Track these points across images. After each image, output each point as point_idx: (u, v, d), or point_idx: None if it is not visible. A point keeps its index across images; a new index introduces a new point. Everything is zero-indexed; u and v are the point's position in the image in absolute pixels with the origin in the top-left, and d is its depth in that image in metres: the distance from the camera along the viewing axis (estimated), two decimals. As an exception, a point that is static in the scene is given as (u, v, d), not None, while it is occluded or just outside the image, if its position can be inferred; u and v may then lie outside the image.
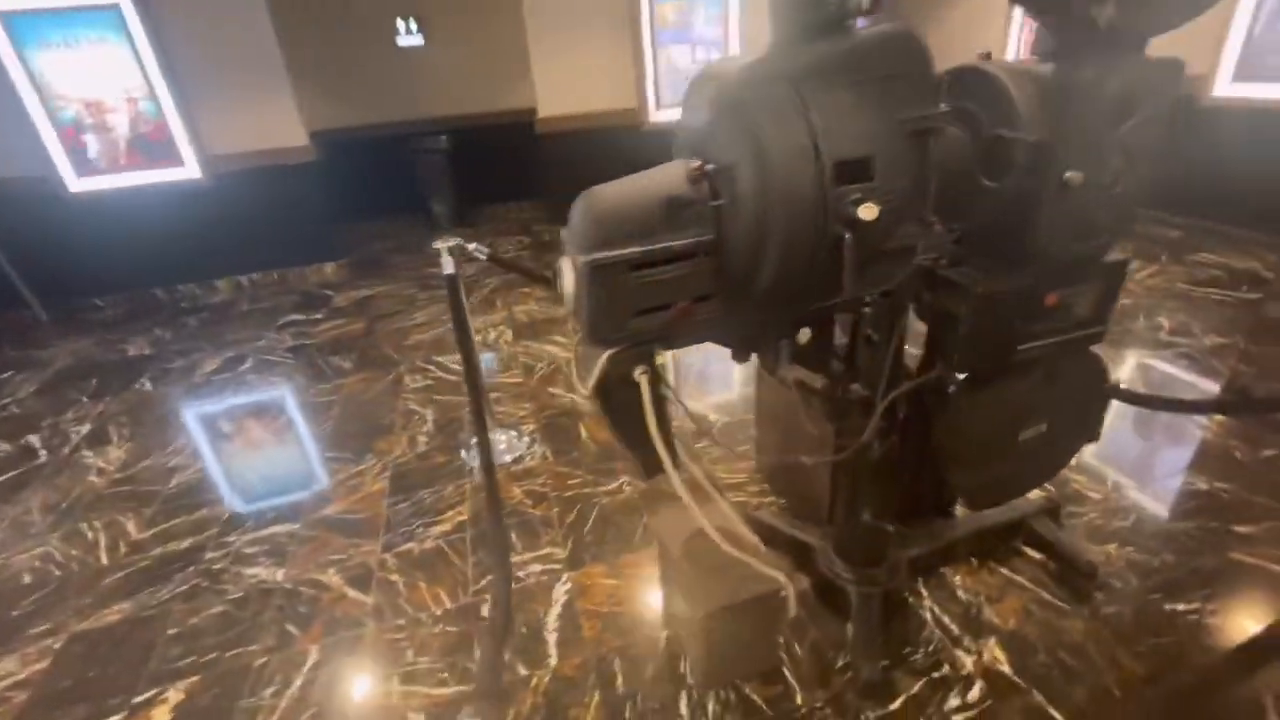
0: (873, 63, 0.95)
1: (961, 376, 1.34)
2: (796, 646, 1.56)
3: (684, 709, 1.44)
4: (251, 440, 2.71)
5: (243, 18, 4.03)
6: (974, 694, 1.42)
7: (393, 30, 5.54)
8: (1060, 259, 1.15)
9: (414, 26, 5.59)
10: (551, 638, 1.64)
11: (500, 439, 2.48)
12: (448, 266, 2.04)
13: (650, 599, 1.74)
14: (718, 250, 1.00)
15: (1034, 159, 1.05)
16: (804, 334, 1.32)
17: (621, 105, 5.04)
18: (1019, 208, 1.11)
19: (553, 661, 1.58)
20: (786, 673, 1.50)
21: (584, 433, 2.55)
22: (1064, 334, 1.27)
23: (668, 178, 1.00)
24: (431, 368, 3.21)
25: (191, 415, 2.99)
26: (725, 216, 0.97)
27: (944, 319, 1.25)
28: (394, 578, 1.89)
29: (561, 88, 4.90)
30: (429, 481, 2.31)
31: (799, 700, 1.44)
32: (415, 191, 5.82)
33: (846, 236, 0.91)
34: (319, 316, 4.05)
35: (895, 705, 1.41)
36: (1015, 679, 1.45)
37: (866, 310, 1.29)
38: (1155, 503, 1.93)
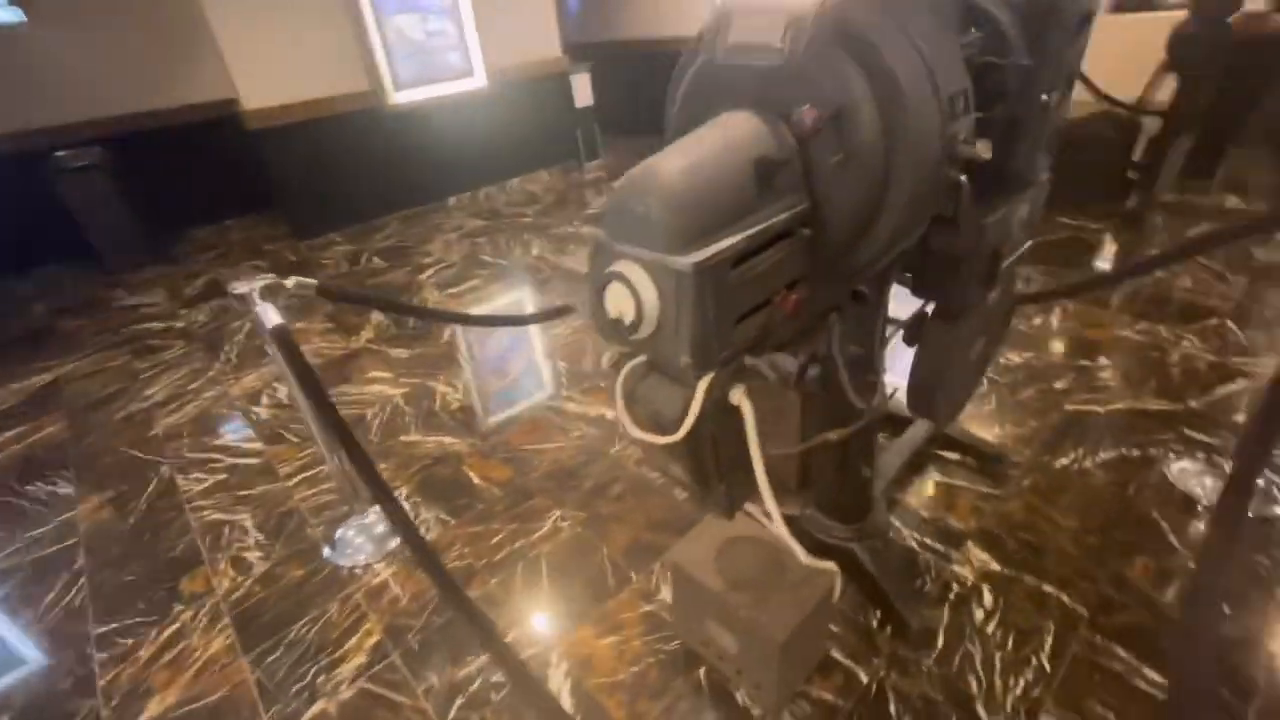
0: (927, -19, 0.83)
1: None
2: (830, 625, 1.50)
3: (770, 746, 1.27)
4: (-65, 656, 1.69)
5: None
6: (988, 600, 1.52)
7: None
8: (1030, 182, 1.20)
9: (0, -4, 3.94)
10: (581, 738, 1.32)
11: (372, 520, 1.93)
12: (268, 317, 1.44)
13: (665, 639, 1.51)
14: (815, 220, 0.80)
15: (1024, 84, 1.05)
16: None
17: (353, 88, 4.27)
18: (1002, 135, 1.11)
19: (600, 767, 1.27)
20: (837, 657, 1.43)
21: (473, 476, 2.12)
22: (1015, 252, 1.35)
23: (740, 136, 0.76)
24: (215, 456, 2.37)
25: None
26: (829, 175, 0.77)
27: (934, 258, 1.23)
28: (319, 762, 1.34)
29: (270, 72, 3.95)
30: (298, 609, 1.69)
31: (864, 678, 1.38)
32: (71, 225, 4.23)
33: (963, 180, 0.79)
34: (-26, 431, 2.71)
35: (942, 641, 1.43)
36: (1006, 571, 1.59)
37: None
38: (997, 384, 2.30)
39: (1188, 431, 1.97)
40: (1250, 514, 1.66)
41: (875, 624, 1.49)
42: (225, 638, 1.63)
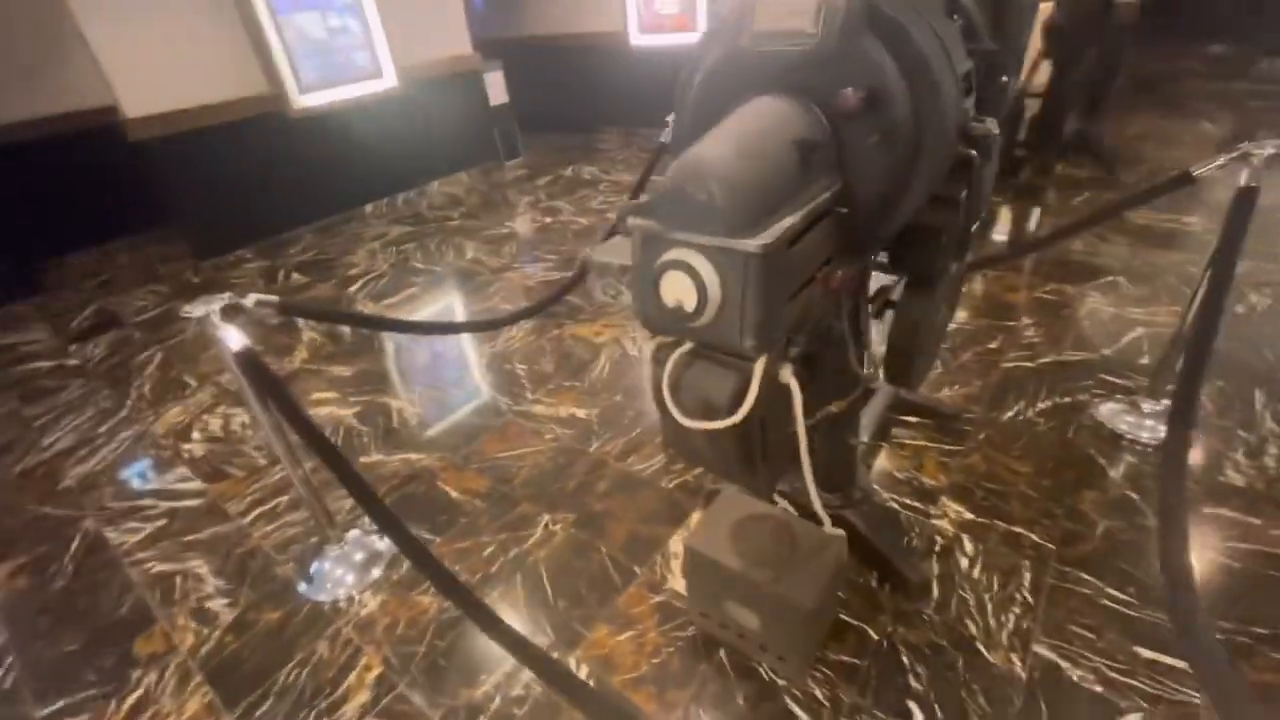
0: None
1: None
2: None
3: (802, 713, 1.32)
4: None
5: None
6: (969, 547, 1.64)
7: None
8: (991, 158, 1.30)
9: None
10: (616, 737, 1.31)
11: (349, 548, 1.81)
12: (232, 340, 1.32)
13: (680, 626, 1.52)
14: (848, 199, 0.83)
15: (989, 68, 1.13)
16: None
17: (253, 92, 3.95)
18: (969, 116, 1.20)
19: (642, 761, 1.27)
20: (846, 619, 1.50)
21: (450, 491, 2.04)
22: (977, 220, 1.46)
23: (780, 120, 0.79)
24: (148, 502, 2.14)
25: None
26: (864, 155, 0.80)
27: (916, 233, 1.30)
28: (339, 809, 1.25)
29: (155, 77, 3.58)
30: (281, 654, 1.57)
31: (875, 635, 1.45)
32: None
33: (974, 156, 0.85)
34: None
35: (937, 592, 1.54)
36: (979, 519, 1.72)
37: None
38: (940, 349, 2.47)
39: (1105, 376, 2.21)
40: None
41: (875, 583, 1.57)
42: (202, 696, 1.49)
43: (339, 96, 4.34)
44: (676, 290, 0.76)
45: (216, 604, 1.72)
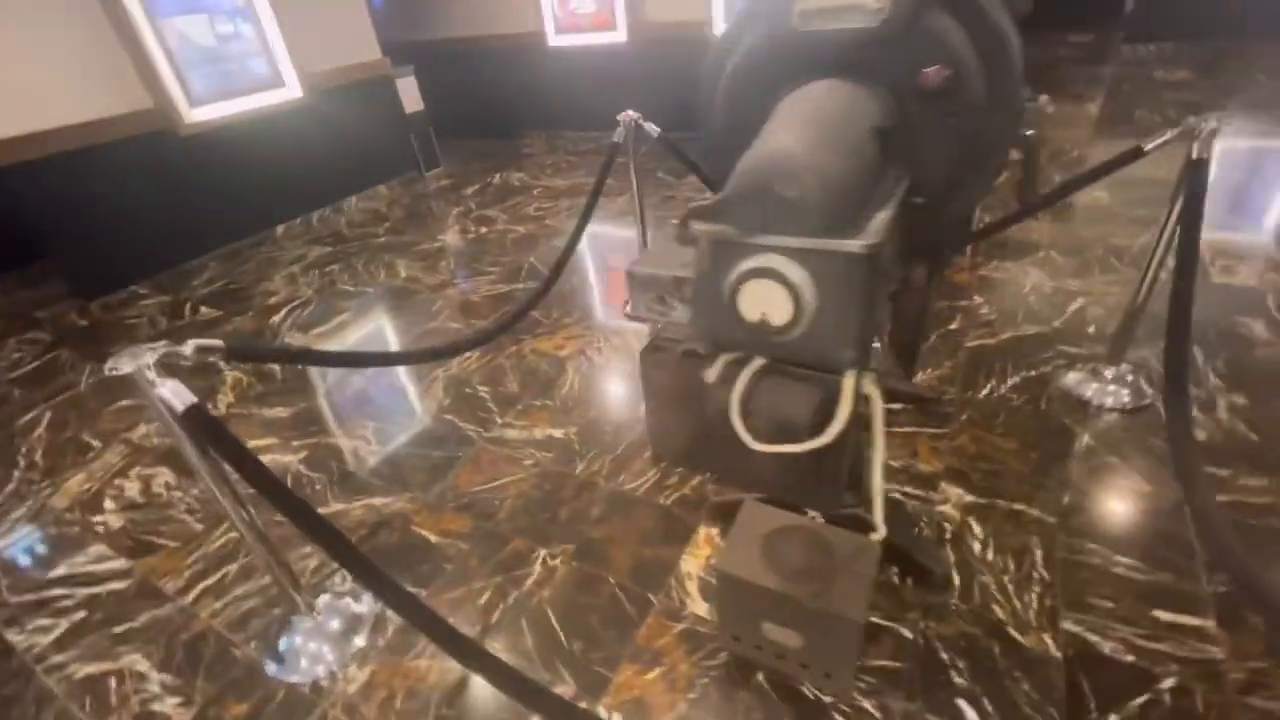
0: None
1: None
2: (857, 592, 1.52)
3: (856, 729, 1.26)
4: None
5: None
6: (977, 530, 1.65)
7: None
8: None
9: None
10: (668, 789, 1.20)
11: (321, 618, 1.60)
12: (175, 397, 1.10)
13: (710, 654, 1.43)
14: (917, 190, 0.77)
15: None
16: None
17: (135, 107, 3.51)
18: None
19: (701, 812, 1.16)
20: (878, 621, 1.45)
21: (428, 535, 1.85)
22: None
23: (851, 105, 0.71)
24: (57, 592, 1.81)
25: None
26: (937, 139, 0.74)
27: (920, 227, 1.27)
28: None
29: (13, 94, 3.09)
30: (258, 751, 1.35)
31: (909, 634, 1.42)
32: None
33: (1030, 135, 0.81)
34: None
35: (958, 580, 1.52)
36: (981, 500, 1.73)
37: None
38: (905, 333, 2.51)
39: (1062, 347, 2.30)
40: (1132, 406, 1.98)
41: (897, 579, 1.54)
42: (165, 821, 1.25)
43: (237, 109, 3.94)
44: (761, 302, 0.66)
45: (166, 705, 1.47)
